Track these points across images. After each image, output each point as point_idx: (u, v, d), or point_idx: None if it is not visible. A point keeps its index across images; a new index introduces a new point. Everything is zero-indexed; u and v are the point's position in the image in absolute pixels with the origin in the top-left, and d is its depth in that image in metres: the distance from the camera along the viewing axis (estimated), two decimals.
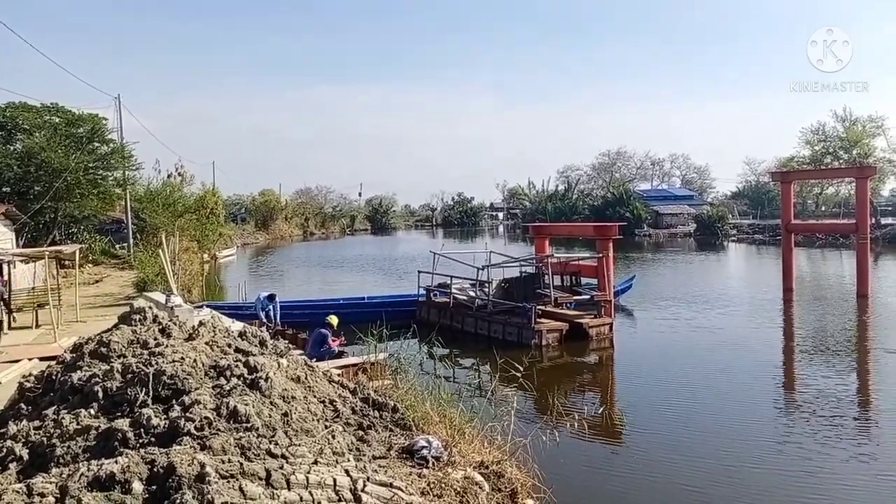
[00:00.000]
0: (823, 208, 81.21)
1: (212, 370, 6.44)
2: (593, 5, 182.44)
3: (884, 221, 65.57)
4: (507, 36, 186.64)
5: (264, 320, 17.89)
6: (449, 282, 22.05)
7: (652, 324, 22.27)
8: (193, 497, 4.23)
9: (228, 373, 6.33)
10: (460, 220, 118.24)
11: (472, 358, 17.85)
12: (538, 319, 18.68)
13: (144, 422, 5.40)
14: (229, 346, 7.39)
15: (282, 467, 4.82)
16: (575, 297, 21.25)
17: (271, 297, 18.84)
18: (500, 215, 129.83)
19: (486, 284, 21.00)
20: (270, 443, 5.32)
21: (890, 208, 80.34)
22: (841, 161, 59.57)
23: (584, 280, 23.57)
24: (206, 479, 4.37)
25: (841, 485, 9.17)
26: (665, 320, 22.30)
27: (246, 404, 5.71)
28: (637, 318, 23.43)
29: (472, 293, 21.70)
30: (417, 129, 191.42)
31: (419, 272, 23.82)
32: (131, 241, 40.32)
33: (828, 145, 63.67)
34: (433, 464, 6.25)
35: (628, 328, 21.63)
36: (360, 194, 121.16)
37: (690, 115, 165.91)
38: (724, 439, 10.99)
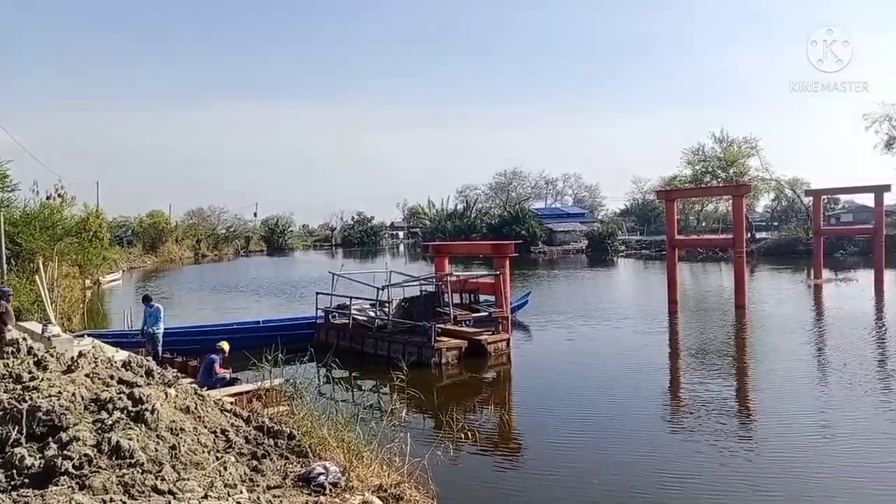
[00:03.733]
0: (704, 224, 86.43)
1: (92, 404, 6.13)
2: (492, 28, 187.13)
3: (759, 236, 70.71)
4: (407, 57, 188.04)
5: (149, 348, 16.73)
6: (348, 303, 21.83)
7: (547, 338, 22.96)
8: None
9: (111, 406, 6.04)
10: (360, 240, 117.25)
11: (372, 379, 17.73)
12: (438, 338, 18.82)
13: (17, 462, 5.09)
14: (112, 377, 7.06)
15: (169, 503, 4.65)
16: (473, 315, 21.57)
17: (146, 299, 17.49)
18: (401, 234, 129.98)
19: (387, 304, 20.95)
20: (157, 478, 5.12)
21: (764, 223, 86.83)
22: (719, 180, 63.55)
23: (482, 297, 23.94)
24: None
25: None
26: (560, 335, 23.05)
27: (130, 439, 5.47)
28: (533, 333, 24.06)
29: (372, 314, 21.56)
30: (315, 148, 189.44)
31: (317, 294, 23.46)
32: (5, 267, 37.46)
33: (707, 165, 67.87)
34: (330, 490, 6.19)
35: (525, 343, 22.17)
36: (255, 214, 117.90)
37: (582, 135, 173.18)
38: (617, 452, 11.29)
